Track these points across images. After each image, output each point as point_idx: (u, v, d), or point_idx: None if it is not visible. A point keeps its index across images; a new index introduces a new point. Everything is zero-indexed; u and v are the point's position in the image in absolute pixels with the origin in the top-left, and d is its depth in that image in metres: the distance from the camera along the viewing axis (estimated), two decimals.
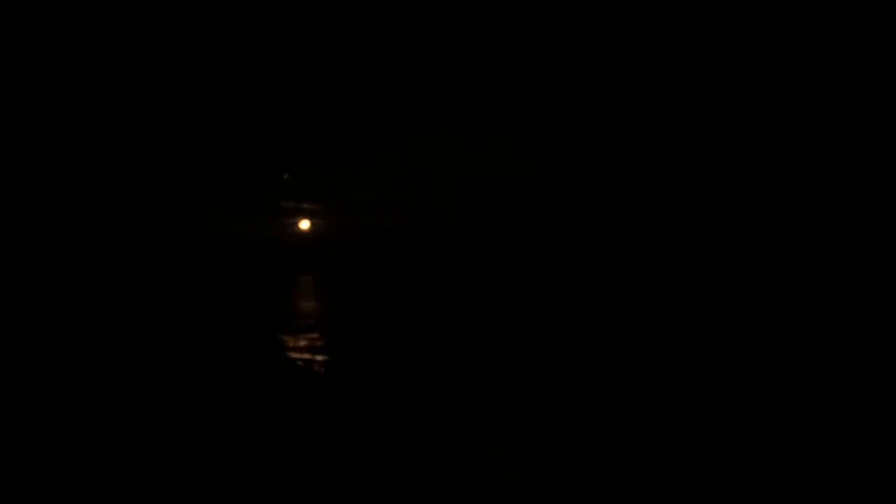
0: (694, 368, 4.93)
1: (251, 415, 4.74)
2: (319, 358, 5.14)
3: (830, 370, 4.84)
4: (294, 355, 5.15)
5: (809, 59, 5.05)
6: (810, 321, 4.92)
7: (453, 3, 5.19)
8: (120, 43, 5.15)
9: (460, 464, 4.62)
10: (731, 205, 5.10)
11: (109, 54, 5.15)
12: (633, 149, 5.19)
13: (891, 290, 4.90)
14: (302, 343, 5.21)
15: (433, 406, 4.82)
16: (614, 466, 4.66)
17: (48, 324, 4.96)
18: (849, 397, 4.77)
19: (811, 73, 5.06)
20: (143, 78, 5.19)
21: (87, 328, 4.98)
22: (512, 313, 5.10)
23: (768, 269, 5.03)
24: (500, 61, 5.22)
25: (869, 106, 5.01)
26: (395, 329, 5.20)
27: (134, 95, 5.18)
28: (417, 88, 5.23)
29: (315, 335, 5.24)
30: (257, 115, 5.26)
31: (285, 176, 5.29)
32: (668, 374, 4.94)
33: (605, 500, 4.58)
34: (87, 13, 5.12)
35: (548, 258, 5.18)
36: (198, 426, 4.66)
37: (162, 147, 5.20)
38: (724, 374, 4.90)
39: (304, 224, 5.32)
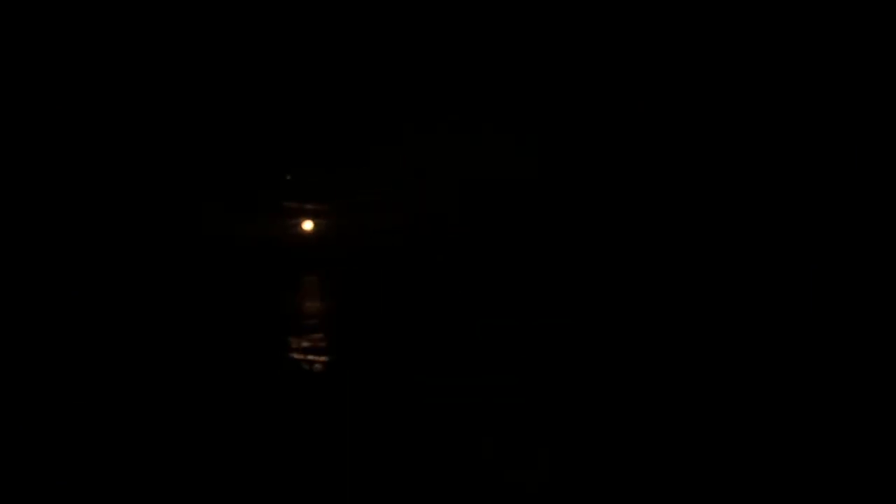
0: (694, 368, 4.93)
1: (255, 414, 4.74)
2: (321, 358, 5.15)
3: (830, 370, 4.84)
4: (295, 355, 5.15)
5: (809, 59, 5.05)
6: (810, 321, 4.92)
7: (453, 3, 5.19)
8: (121, 43, 5.15)
9: (460, 464, 4.62)
10: (731, 205, 5.10)
11: (111, 55, 5.15)
12: (634, 149, 5.19)
13: (891, 290, 4.90)
14: (302, 343, 5.21)
15: (433, 406, 4.83)
16: (614, 466, 4.66)
17: (49, 324, 4.96)
18: (849, 397, 4.77)
19: (811, 74, 5.06)
20: (146, 79, 5.19)
21: (90, 328, 4.98)
22: (512, 313, 5.10)
23: (768, 269, 5.03)
24: (500, 61, 5.22)
25: (869, 106, 5.01)
26: (395, 329, 5.20)
27: (137, 97, 5.18)
28: (417, 88, 5.23)
29: (315, 335, 5.24)
30: (258, 116, 5.26)
31: (287, 177, 5.29)
32: (668, 373, 4.94)
33: (605, 499, 4.58)
34: (87, 13, 5.12)
35: (548, 258, 5.18)
36: (203, 426, 4.67)
37: (164, 148, 5.20)
38: (724, 373, 4.90)
39: (306, 224, 5.32)
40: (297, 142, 5.28)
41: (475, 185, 5.21)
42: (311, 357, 5.13)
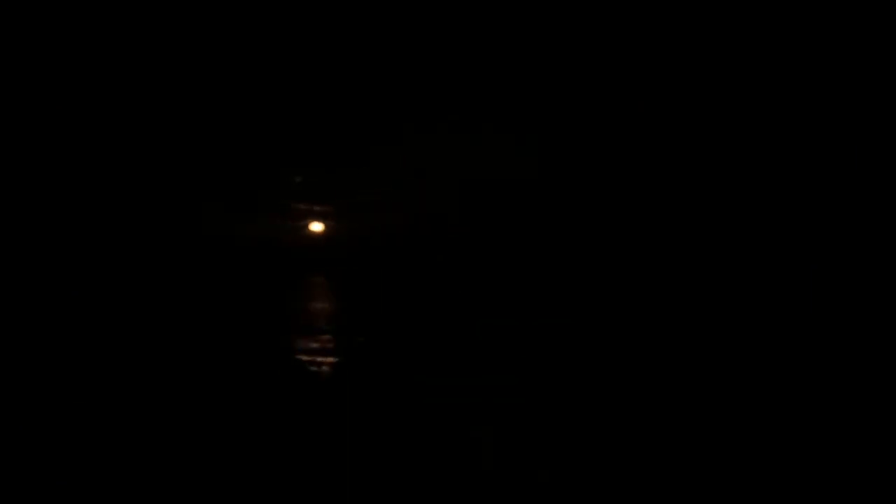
0: (694, 368, 4.94)
1: (261, 415, 4.75)
2: (320, 359, 5.15)
3: (830, 370, 4.85)
4: (296, 356, 5.15)
5: (809, 59, 5.05)
6: (810, 321, 4.93)
7: (453, 3, 5.18)
8: (124, 43, 5.15)
9: (460, 464, 4.62)
10: (731, 205, 5.10)
11: (113, 54, 5.15)
12: (634, 149, 5.19)
13: (891, 290, 4.91)
14: (303, 344, 5.21)
15: (433, 406, 4.83)
16: (614, 466, 4.66)
17: (53, 325, 4.95)
18: (849, 397, 4.78)
19: (811, 73, 5.06)
20: (148, 80, 5.19)
21: (96, 329, 4.98)
22: (512, 313, 5.10)
23: (768, 269, 5.03)
24: (500, 61, 5.22)
25: (869, 106, 5.01)
26: (395, 329, 5.20)
27: (139, 98, 5.18)
28: (417, 88, 5.23)
29: (322, 337, 5.25)
30: (257, 116, 5.26)
31: (298, 179, 5.29)
32: (668, 374, 4.94)
33: (605, 499, 4.59)
34: (86, 13, 5.12)
35: (548, 258, 5.18)
36: (209, 426, 4.68)
37: (170, 151, 5.20)
38: (724, 374, 4.90)
39: (314, 226, 5.32)
40: (298, 142, 5.27)
41: (475, 185, 5.20)
42: (310, 358, 5.14)
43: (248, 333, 5.12)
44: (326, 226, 5.32)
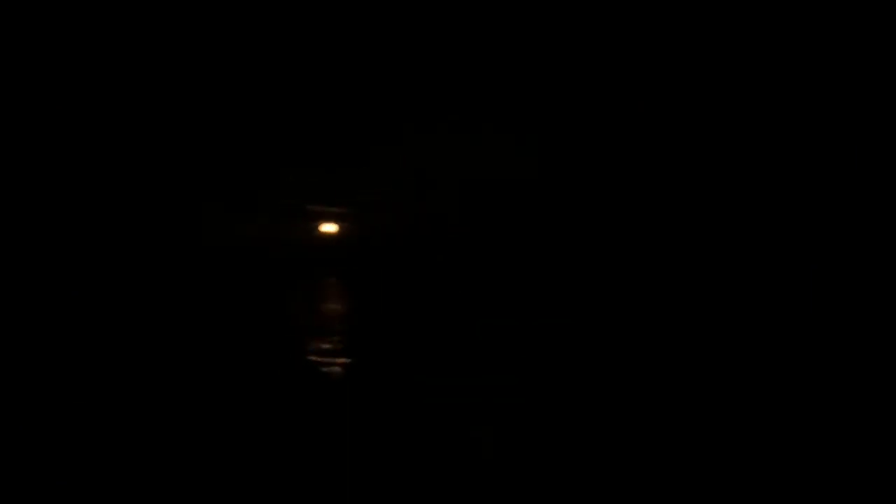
0: (694, 368, 4.93)
1: (264, 417, 4.75)
2: (338, 360, 5.15)
3: (830, 370, 4.84)
4: (312, 358, 5.15)
5: (809, 59, 5.05)
6: (810, 321, 4.92)
7: (453, 3, 5.18)
8: (131, 43, 5.15)
9: (460, 464, 4.62)
10: (731, 205, 5.09)
11: (120, 54, 5.15)
12: (634, 149, 5.19)
13: (891, 290, 4.90)
14: (319, 346, 5.21)
15: (433, 406, 4.83)
16: (615, 466, 4.65)
17: (62, 326, 4.95)
18: (849, 397, 4.76)
19: (811, 73, 5.06)
20: (150, 81, 5.19)
21: (103, 331, 4.98)
22: (512, 313, 5.10)
23: (768, 269, 5.03)
24: (500, 61, 5.22)
25: (869, 106, 5.01)
26: (395, 329, 5.20)
27: (143, 98, 5.18)
28: (417, 88, 5.23)
29: (332, 338, 5.25)
30: (257, 117, 5.26)
31: (307, 178, 5.28)
32: (668, 374, 4.94)
33: (605, 499, 4.58)
34: (86, 13, 5.12)
35: (548, 258, 5.18)
36: (219, 427, 4.68)
37: (166, 150, 5.20)
38: (724, 374, 4.90)
39: (324, 227, 5.32)
40: (295, 142, 5.27)
41: (475, 185, 5.20)
42: (328, 359, 5.14)
43: (250, 333, 5.12)
44: (325, 227, 5.33)
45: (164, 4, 5.16)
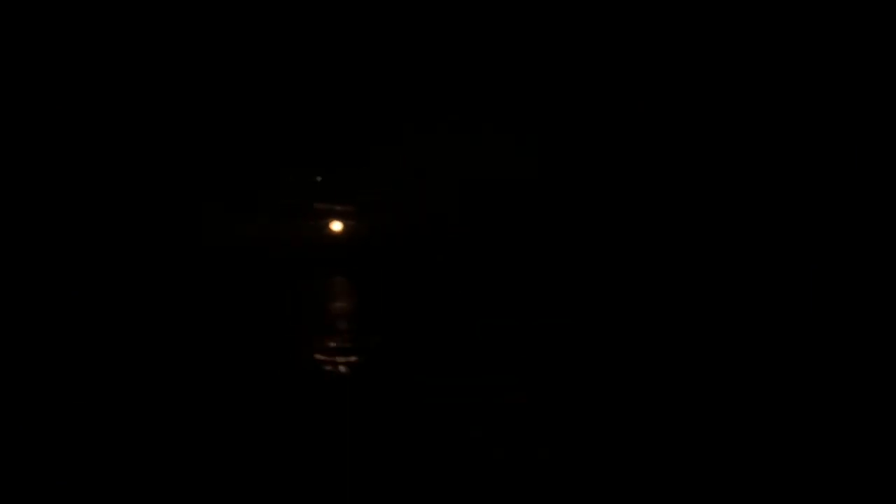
0: (694, 368, 4.94)
1: (276, 416, 4.75)
2: (345, 359, 5.15)
3: (830, 370, 4.85)
4: (319, 356, 5.16)
5: (809, 59, 5.05)
6: (810, 321, 4.93)
7: (453, 3, 5.18)
8: (132, 43, 5.15)
9: (459, 464, 4.63)
10: (731, 205, 5.10)
11: (120, 54, 5.15)
12: (634, 149, 5.20)
13: (891, 290, 4.91)
14: (326, 344, 5.21)
15: (433, 406, 4.84)
16: (615, 466, 4.66)
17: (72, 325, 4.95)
18: (849, 397, 4.77)
19: (811, 73, 5.06)
20: (151, 81, 5.20)
21: (106, 331, 4.98)
22: (512, 313, 5.10)
23: (768, 269, 5.03)
24: (500, 61, 5.22)
25: (869, 106, 5.01)
26: (395, 329, 5.20)
27: (145, 98, 5.18)
28: (417, 88, 5.23)
29: (339, 337, 5.25)
30: (257, 118, 5.26)
31: (318, 178, 5.29)
32: (668, 374, 4.94)
33: (605, 499, 4.59)
34: (86, 13, 5.12)
35: (548, 258, 5.18)
36: (225, 426, 4.68)
37: (169, 153, 5.20)
38: (724, 374, 4.90)
39: (333, 225, 5.32)
40: (294, 142, 5.27)
41: (475, 185, 5.21)
42: (335, 358, 5.14)
43: (253, 333, 5.12)
44: (326, 227, 5.33)
45: (163, 4, 5.15)
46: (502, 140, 5.21)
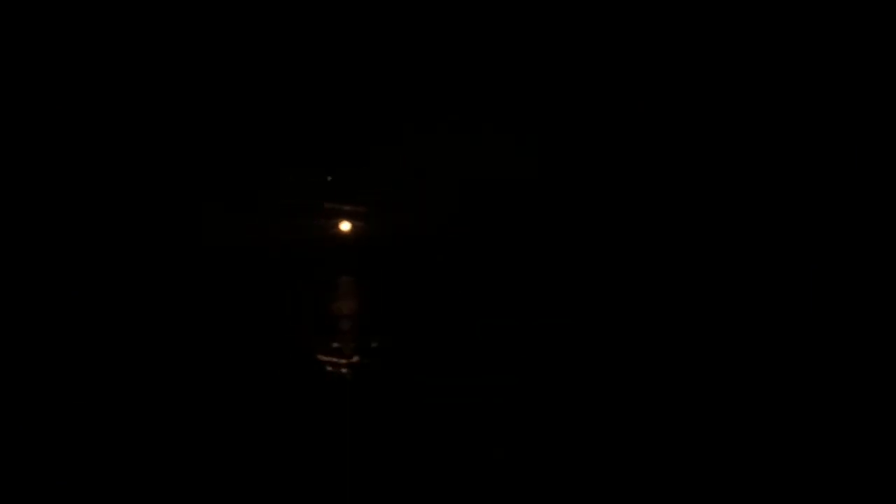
0: (694, 368, 4.94)
1: (266, 416, 4.76)
2: (321, 359, 5.16)
3: (830, 370, 4.85)
4: (321, 357, 5.16)
5: (809, 59, 5.05)
6: (810, 321, 4.93)
7: (453, 3, 5.19)
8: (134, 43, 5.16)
9: (459, 464, 4.63)
10: (731, 205, 5.10)
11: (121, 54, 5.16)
12: (634, 149, 5.20)
13: (891, 290, 4.90)
14: (329, 345, 5.22)
15: (433, 406, 4.84)
16: (615, 466, 4.66)
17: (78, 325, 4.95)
18: (849, 397, 4.77)
19: (811, 73, 5.06)
20: (152, 81, 5.20)
21: (110, 331, 4.98)
22: (512, 313, 5.10)
23: (768, 269, 5.03)
24: (500, 61, 5.22)
25: (869, 106, 5.01)
26: (395, 329, 5.21)
27: (148, 98, 5.19)
28: (417, 88, 5.23)
29: (341, 338, 5.25)
30: (258, 117, 5.26)
31: (329, 178, 5.29)
32: (668, 374, 4.94)
33: (605, 500, 4.59)
34: (86, 13, 5.12)
35: (548, 258, 5.18)
36: (228, 427, 4.69)
37: (170, 151, 5.21)
38: (724, 374, 4.90)
39: (343, 226, 5.32)
40: (294, 142, 5.27)
41: (475, 185, 5.21)
42: (337, 360, 5.15)
43: (256, 333, 5.13)
44: (325, 227, 5.33)
45: (163, 4, 5.16)
46: (502, 140, 5.21)
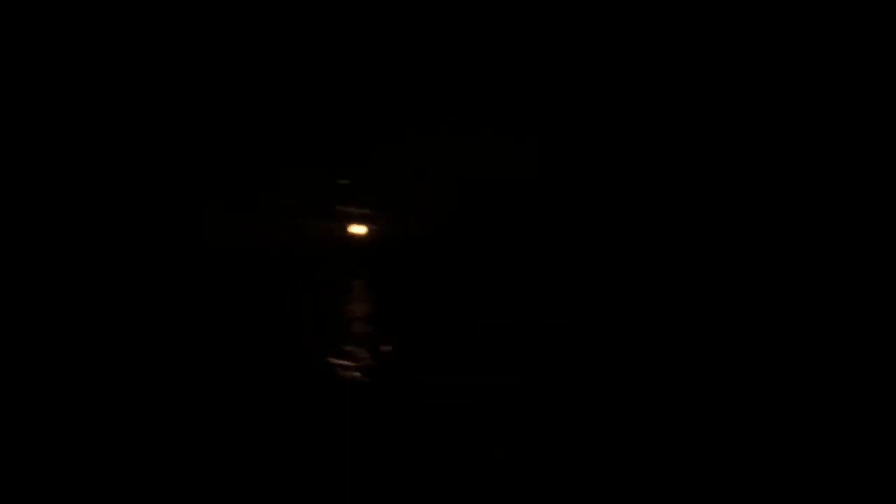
0: (694, 368, 4.94)
1: (274, 419, 4.76)
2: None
3: (830, 370, 4.85)
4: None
5: (810, 59, 5.05)
6: (810, 321, 4.93)
7: (453, 3, 5.19)
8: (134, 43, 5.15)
9: (459, 464, 4.63)
10: (731, 205, 5.10)
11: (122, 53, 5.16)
12: (634, 149, 5.20)
13: (891, 290, 4.91)
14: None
15: (432, 406, 4.84)
16: (615, 466, 4.67)
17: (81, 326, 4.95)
18: (849, 397, 4.77)
19: (811, 73, 5.06)
20: (152, 80, 5.20)
21: (114, 332, 4.98)
22: (512, 313, 5.10)
23: (768, 269, 5.03)
24: (500, 61, 5.22)
25: (869, 106, 5.01)
26: (395, 329, 5.21)
27: (149, 98, 5.19)
28: (417, 88, 5.23)
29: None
30: (258, 117, 5.26)
31: (342, 181, 5.29)
32: (668, 374, 4.94)
33: (605, 500, 4.59)
34: (86, 12, 5.12)
35: (548, 258, 5.18)
36: (235, 427, 4.69)
37: (171, 155, 5.21)
38: (724, 374, 4.90)
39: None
40: (293, 142, 5.27)
41: (475, 185, 5.21)
42: (337, 360, 5.15)
43: (257, 333, 5.13)
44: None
45: (163, 4, 5.16)
46: (502, 140, 5.21)
